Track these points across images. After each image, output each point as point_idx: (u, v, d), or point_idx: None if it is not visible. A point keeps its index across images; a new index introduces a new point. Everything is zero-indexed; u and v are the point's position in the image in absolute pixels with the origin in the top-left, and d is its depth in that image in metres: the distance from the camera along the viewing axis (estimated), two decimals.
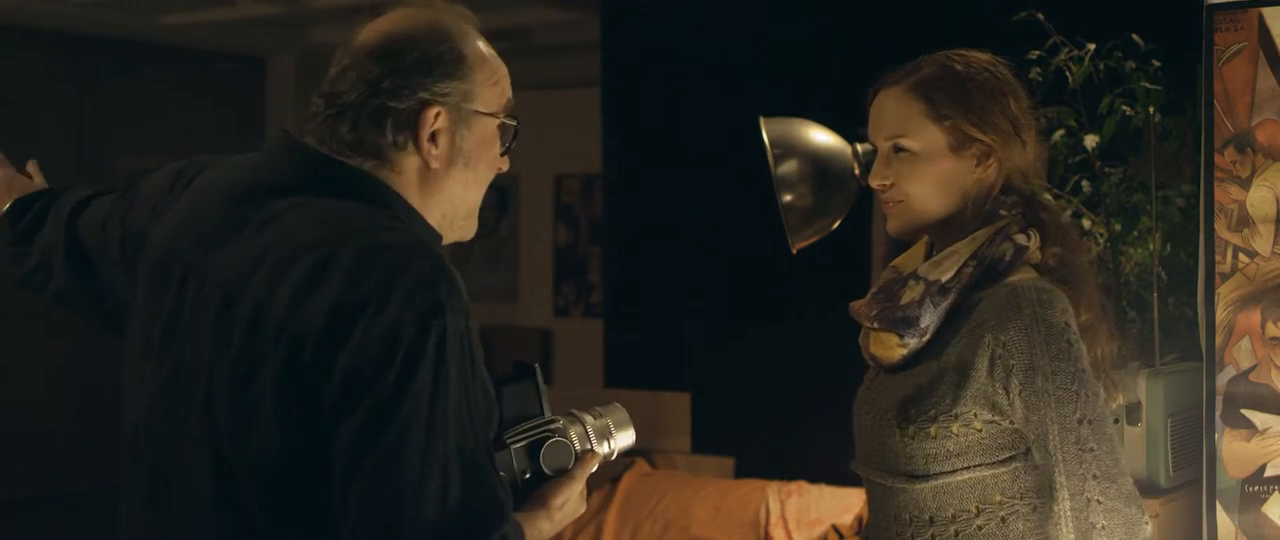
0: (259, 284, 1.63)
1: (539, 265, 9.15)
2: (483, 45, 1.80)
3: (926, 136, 2.03)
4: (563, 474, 1.84)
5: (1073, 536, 1.89)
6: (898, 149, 2.05)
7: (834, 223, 2.67)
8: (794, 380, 5.32)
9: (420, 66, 1.73)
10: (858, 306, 2.08)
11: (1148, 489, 2.75)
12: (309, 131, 1.77)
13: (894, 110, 2.06)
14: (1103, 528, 1.88)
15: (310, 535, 1.61)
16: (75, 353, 8.34)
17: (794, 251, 2.67)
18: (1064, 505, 1.89)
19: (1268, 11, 2.59)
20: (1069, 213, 3.21)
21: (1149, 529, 1.91)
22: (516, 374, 1.85)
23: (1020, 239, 2.01)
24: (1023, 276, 2.00)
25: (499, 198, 9.30)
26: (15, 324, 8.18)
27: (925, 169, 2.03)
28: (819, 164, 2.62)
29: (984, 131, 2.01)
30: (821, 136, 2.69)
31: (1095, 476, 1.88)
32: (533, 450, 1.81)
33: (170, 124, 8.64)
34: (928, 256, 2.08)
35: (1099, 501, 1.88)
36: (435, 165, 1.76)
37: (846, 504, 4.80)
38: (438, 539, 1.55)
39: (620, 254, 6.29)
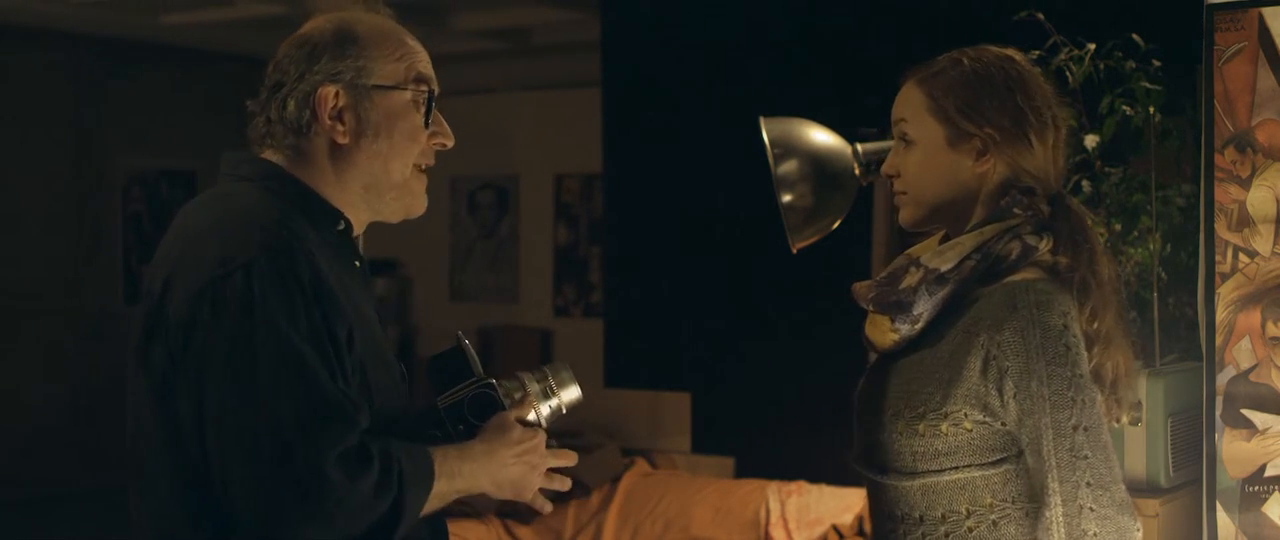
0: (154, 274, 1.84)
1: (539, 265, 9.15)
2: (384, 25, 1.94)
3: (925, 128, 2.04)
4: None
5: None
6: (904, 138, 2.07)
7: (834, 222, 2.67)
8: (794, 380, 5.32)
9: (312, 55, 1.89)
10: (859, 287, 2.07)
11: (1148, 489, 2.75)
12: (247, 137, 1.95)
13: (904, 102, 2.08)
14: (1094, 535, 1.86)
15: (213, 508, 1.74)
16: (81, 353, 8.34)
17: (794, 251, 2.67)
18: (1057, 511, 1.87)
19: (1268, 11, 2.59)
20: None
21: (1139, 536, 1.89)
22: (449, 349, 2.00)
23: (1031, 239, 1.99)
24: (1025, 276, 1.98)
25: (499, 198, 9.30)
26: (20, 323, 8.18)
27: (924, 159, 2.04)
28: (819, 164, 2.62)
29: (979, 126, 2.00)
30: (822, 136, 2.69)
31: (1089, 484, 1.87)
32: (458, 406, 1.94)
33: (171, 124, 8.64)
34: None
35: (1092, 509, 1.86)
36: (343, 141, 1.89)
37: (847, 504, 4.80)
38: (285, 452, 1.66)
39: (620, 254, 6.29)
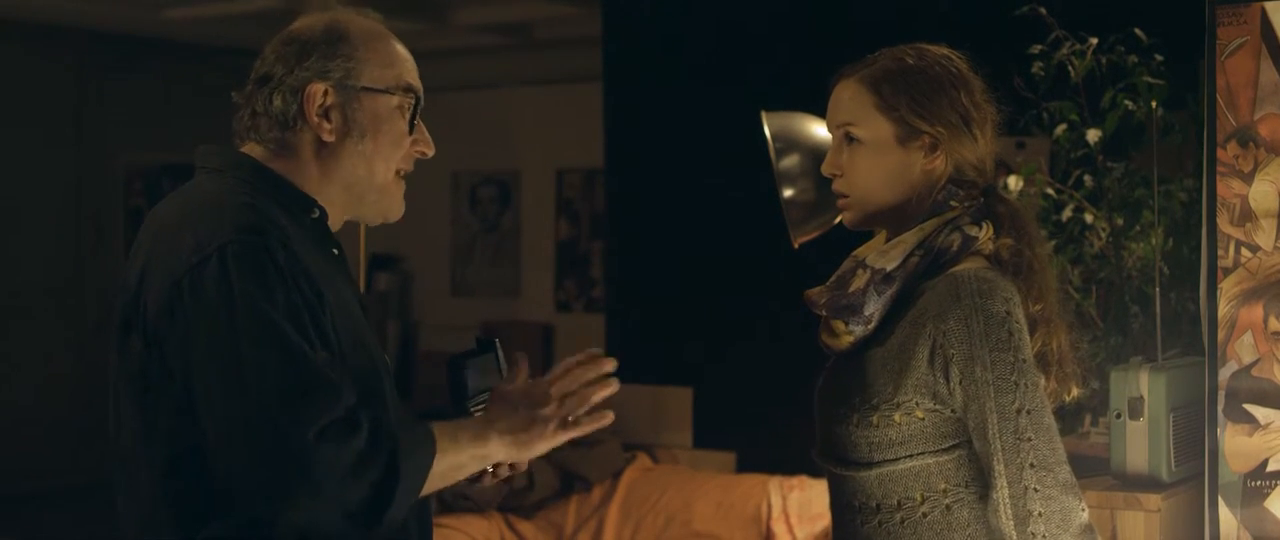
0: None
1: (541, 260, 9.15)
2: (375, 29, 1.96)
3: (875, 127, 2.07)
4: None
5: (1011, 523, 1.92)
6: (849, 138, 2.10)
7: (836, 218, 2.67)
8: (795, 375, 5.29)
9: (303, 52, 1.91)
10: (811, 294, 2.12)
11: (1150, 484, 2.76)
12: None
13: (846, 101, 2.10)
14: (1039, 514, 1.90)
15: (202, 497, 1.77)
16: (82, 347, 8.34)
17: (796, 246, 2.67)
18: (1003, 492, 1.92)
19: (1270, 6, 2.59)
20: (1071, 208, 3.21)
21: (1085, 516, 1.93)
22: (479, 348, 2.02)
23: (970, 230, 2.04)
24: (967, 266, 2.02)
25: (500, 192, 9.30)
26: (21, 317, 8.18)
27: (873, 159, 2.07)
28: (821, 158, 2.62)
29: (930, 124, 2.04)
30: (824, 131, 2.69)
31: (1032, 465, 1.91)
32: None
33: (171, 118, 8.63)
34: None
35: (1036, 489, 1.90)
36: (329, 138, 1.91)
37: None
38: (272, 428, 1.68)
39: (622, 249, 6.29)
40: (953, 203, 2.05)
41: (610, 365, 1.96)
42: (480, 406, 1.96)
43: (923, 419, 1.98)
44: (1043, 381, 1.99)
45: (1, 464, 7.81)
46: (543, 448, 1.90)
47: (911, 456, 1.99)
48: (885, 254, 2.04)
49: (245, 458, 1.70)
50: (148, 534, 1.84)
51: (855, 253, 2.13)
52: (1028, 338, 1.97)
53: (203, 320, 1.73)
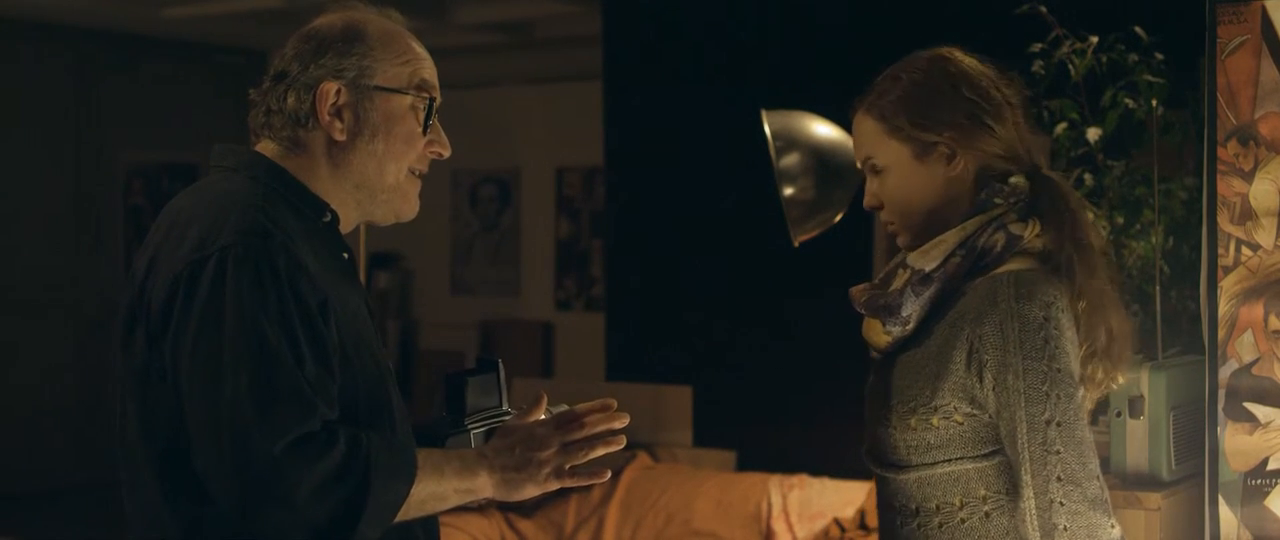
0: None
1: (541, 259, 9.15)
2: (393, 29, 1.95)
3: (890, 153, 2.06)
4: None
5: (1037, 534, 1.90)
6: (873, 169, 2.09)
7: (836, 216, 2.67)
8: (796, 374, 5.31)
9: (320, 49, 1.91)
10: (855, 291, 2.11)
11: (1150, 482, 2.75)
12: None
13: (863, 134, 2.10)
14: (1064, 529, 1.88)
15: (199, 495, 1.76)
16: (82, 346, 8.33)
17: (796, 244, 2.68)
18: (1029, 503, 1.90)
19: (1270, 4, 2.58)
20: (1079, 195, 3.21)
21: (1115, 533, 1.90)
22: (481, 368, 2.00)
23: (1015, 228, 2.00)
24: (1012, 267, 1.99)
25: (501, 191, 9.30)
26: (21, 317, 8.17)
27: (900, 182, 2.06)
28: (821, 157, 2.62)
29: (937, 132, 2.02)
30: (823, 130, 2.70)
31: (1059, 478, 1.88)
32: (489, 435, 1.94)
33: (171, 117, 8.64)
34: None
35: (1062, 503, 1.88)
36: (340, 138, 1.90)
37: (848, 497, 4.80)
38: (240, 434, 1.68)
39: (622, 247, 6.28)
40: (996, 200, 2.01)
41: (622, 422, 1.93)
42: (477, 425, 1.95)
43: (961, 424, 1.96)
44: (1080, 391, 1.95)
45: (1, 463, 7.81)
46: (532, 493, 1.89)
47: (950, 461, 1.97)
48: (926, 254, 2.01)
49: (214, 461, 1.71)
50: (151, 529, 1.84)
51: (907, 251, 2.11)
52: (1070, 343, 1.94)
53: (193, 319, 1.73)
